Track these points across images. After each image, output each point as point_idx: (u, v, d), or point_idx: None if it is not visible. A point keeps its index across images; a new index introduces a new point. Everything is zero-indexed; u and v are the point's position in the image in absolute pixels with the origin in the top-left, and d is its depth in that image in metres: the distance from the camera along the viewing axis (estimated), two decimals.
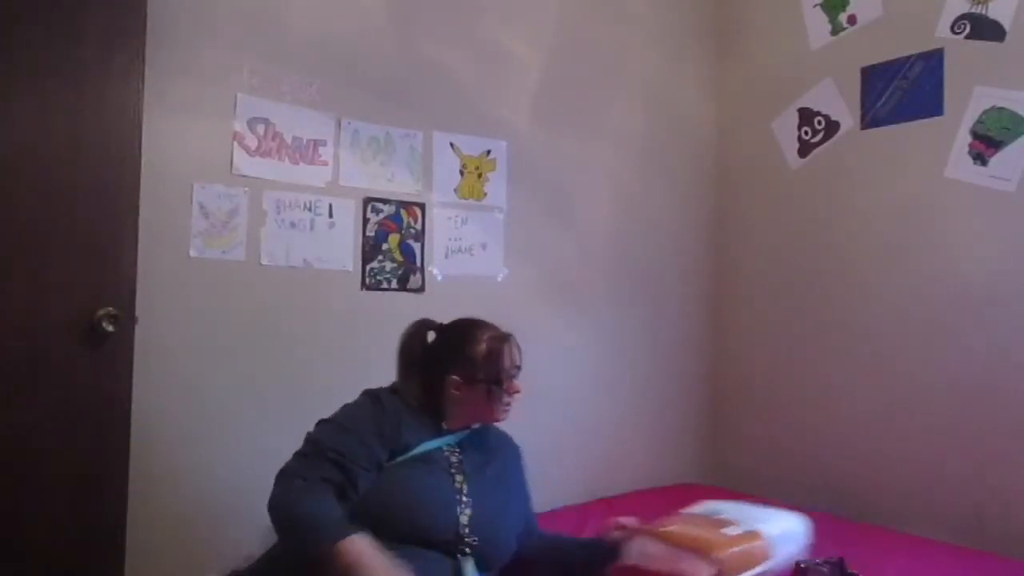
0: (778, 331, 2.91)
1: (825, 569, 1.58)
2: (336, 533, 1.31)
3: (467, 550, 1.48)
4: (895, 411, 2.50)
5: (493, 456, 1.68)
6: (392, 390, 1.64)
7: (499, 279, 2.62)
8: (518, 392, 1.66)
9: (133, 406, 1.85)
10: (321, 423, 1.56)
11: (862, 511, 2.50)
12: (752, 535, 1.48)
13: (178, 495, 2.02)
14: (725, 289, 3.13)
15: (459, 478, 1.56)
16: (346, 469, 1.43)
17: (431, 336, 1.71)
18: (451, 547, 1.47)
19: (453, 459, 1.59)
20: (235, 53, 2.14)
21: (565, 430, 2.73)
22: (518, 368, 1.66)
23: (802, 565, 1.75)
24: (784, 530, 1.55)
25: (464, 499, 1.53)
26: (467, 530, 1.49)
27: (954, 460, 2.34)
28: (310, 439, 1.51)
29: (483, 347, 1.62)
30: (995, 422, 2.26)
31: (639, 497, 2.72)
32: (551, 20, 2.77)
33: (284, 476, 1.44)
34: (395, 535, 1.39)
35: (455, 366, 1.62)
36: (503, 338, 1.65)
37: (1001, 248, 2.28)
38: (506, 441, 1.78)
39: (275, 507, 1.39)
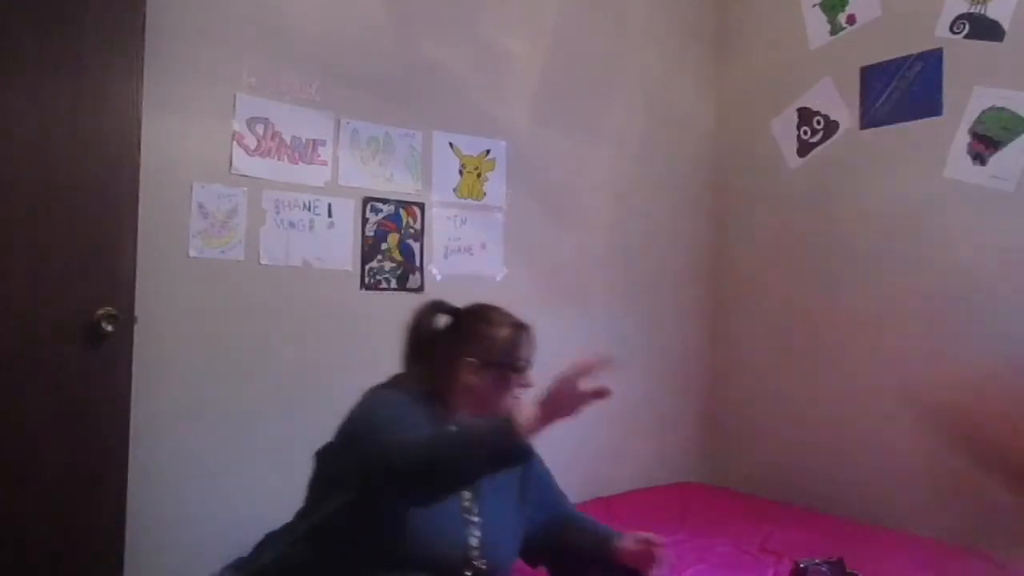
0: (777, 330, 2.91)
1: (825, 569, 1.58)
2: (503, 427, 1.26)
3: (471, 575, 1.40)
4: (895, 410, 2.50)
5: None
6: (392, 384, 1.53)
7: (498, 279, 2.62)
8: (531, 386, 1.54)
9: (132, 406, 1.85)
10: (368, 441, 1.35)
11: (862, 511, 2.50)
12: None
13: (177, 494, 2.02)
14: (724, 288, 3.13)
15: (468, 495, 1.46)
16: None
17: (443, 320, 1.61)
18: (456, 573, 1.39)
19: None
20: (235, 53, 2.14)
21: (564, 429, 2.71)
22: (531, 362, 1.57)
23: (802, 565, 1.74)
24: None
25: (474, 519, 1.44)
26: (476, 553, 1.42)
27: (955, 460, 2.34)
28: (385, 445, 1.32)
29: (503, 331, 1.54)
30: (995, 421, 2.25)
31: (638, 496, 2.73)
32: (550, 20, 2.77)
33: (389, 448, 1.29)
34: (395, 559, 1.33)
35: (470, 348, 1.51)
36: (523, 326, 1.58)
37: (1000, 247, 2.28)
38: None
39: (413, 464, 1.26)
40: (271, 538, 1.51)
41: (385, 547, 1.33)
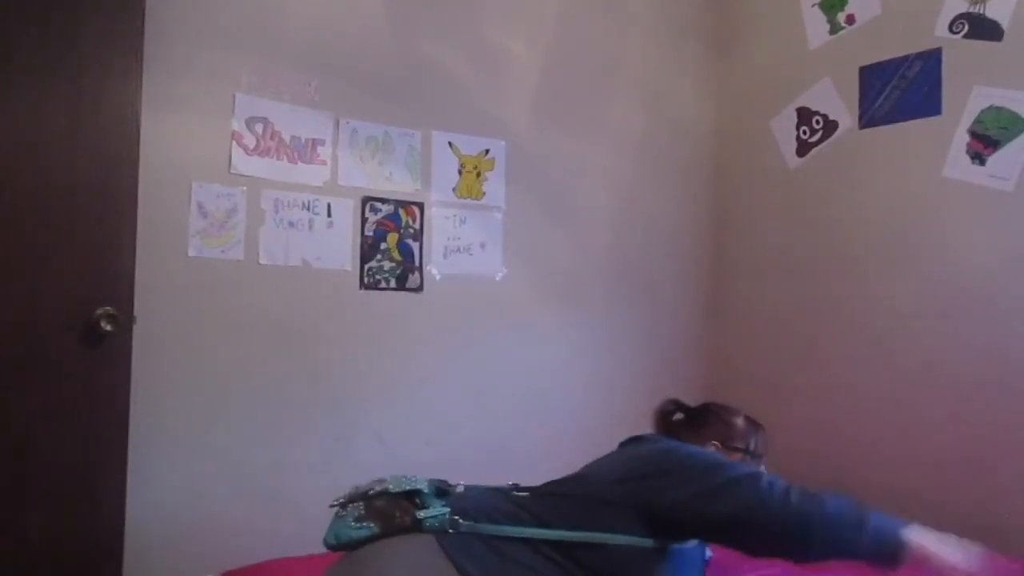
0: (776, 330, 2.91)
1: None
2: (895, 528, 1.21)
3: None
4: (895, 410, 2.51)
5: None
6: None
7: (497, 278, 2.62)
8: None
9: (131, 405, 1.85)
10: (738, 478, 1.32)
11: None
12: None
13: (176, 495, 2.02)
14: (723, 288, 3.13)
15: None
16: None
17: (679, 416, 1.73)
18: None
19: (707, 555, 1.53)
20: (234, 53, 2.14)
21: (563, 429, 2.73)
22: (765, 454, 1.68)
23: None
24: None
25: None
26: None
27: (954, 458, 2.35)
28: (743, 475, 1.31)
29: (742, 420, 1.69)
30: (995, 420, 2.26)
31: None
32: (550, 20, 2.77)
33: (759, 482, 1.28)
34: None
35: (714, 433, 1.64)
36: (758, 421, 1.71)
37: (999, 247, 2.28)
38: None
39: (789, 515, 1.23)
40: (495, 508, 1.37)
41: None
